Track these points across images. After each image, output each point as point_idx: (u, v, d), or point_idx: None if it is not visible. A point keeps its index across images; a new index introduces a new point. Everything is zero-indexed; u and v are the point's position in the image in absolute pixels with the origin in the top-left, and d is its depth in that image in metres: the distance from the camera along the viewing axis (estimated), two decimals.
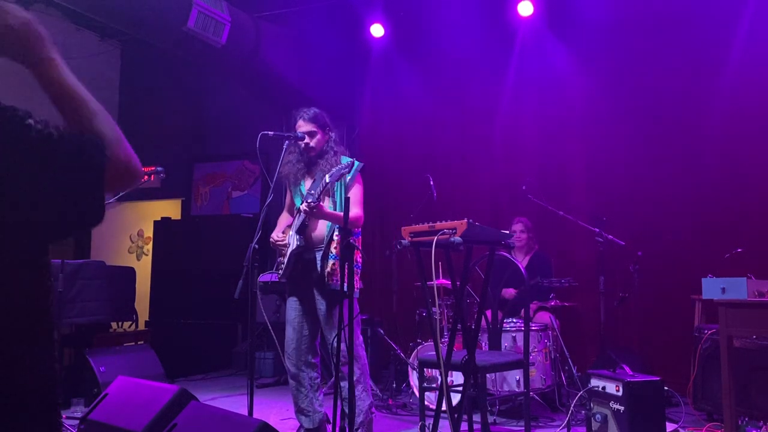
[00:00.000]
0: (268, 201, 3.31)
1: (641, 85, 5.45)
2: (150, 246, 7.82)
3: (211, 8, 5.09)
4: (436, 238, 2.66)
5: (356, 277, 3.31)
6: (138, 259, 8.08)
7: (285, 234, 3.48)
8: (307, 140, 3.42)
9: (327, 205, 3.35)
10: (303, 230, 3.35)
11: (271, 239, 3.50)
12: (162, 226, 7.03)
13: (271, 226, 3.92)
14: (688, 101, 5.24)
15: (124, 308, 5.63)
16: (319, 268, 3.35)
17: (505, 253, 3.57)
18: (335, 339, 3.04)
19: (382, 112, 6.59)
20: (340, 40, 6.31)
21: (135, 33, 5.42)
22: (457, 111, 6.20)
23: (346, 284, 2.85)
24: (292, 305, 3.47)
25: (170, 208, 7.88)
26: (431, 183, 4.99)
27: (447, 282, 4.23)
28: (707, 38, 5.18)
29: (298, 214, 3.38)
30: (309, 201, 3.14)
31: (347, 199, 2.91)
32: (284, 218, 3.66)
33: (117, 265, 6.07)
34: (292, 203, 3.60)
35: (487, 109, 6.03)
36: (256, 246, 3.18)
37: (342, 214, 2.95)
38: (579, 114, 5.67)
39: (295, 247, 3.34)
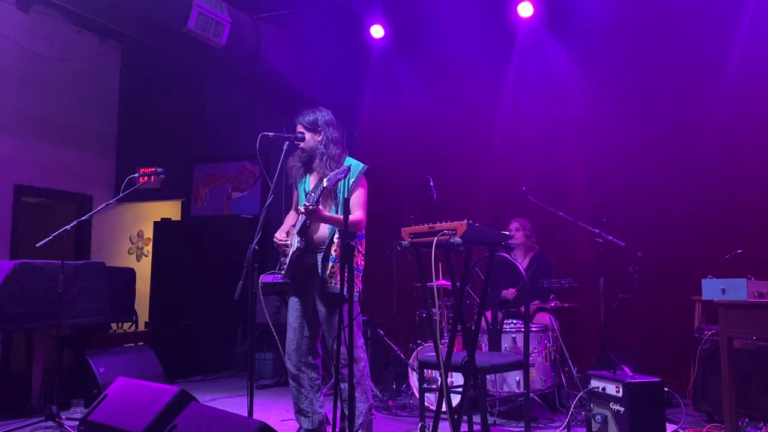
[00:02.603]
0: (268, 202, 3.31)
1: (641, 85, 5.45)
2: (150, 247, 7.82)
3: (211, 9, 5.09)
4: (436, 239, 2.67)
5: (357, 280, 3.31)
6: (138, 260, 8.07)
7: (288, 234, 3.48)
8: (298, 141, 3.48)
9: (330, 207, 3.36)
10: (304, 232, 3.36)
11: (274, 239, 3.50)
12: (162, 227, 7.03)
13: (271, 226, 3.93)
14: (688, 102, 5.24)
15: (124, 309, 5.63)
16: (319, 270, 3.36)
17: (504, 254, 3.57)
18: (335, 341, 3.04)
19: (382, 112, 6.59)
20: (340, 41, 6.31)
21: (135, 33, 5.41)
22: (457, 111, 6.20)
23: (346, 287, 2.85)
24: (294, 306, 3.48)
25: (170, 209, 7.88)
26: (431, 184, 4.99)
27: (447, 283, 4.22)
28: (707, 39, 5.18)
29: (300, 215, 3.39)
30: (306, 204, 3.15)
31: (345, 200, 2.92)
32: (291, 217, 3.64)
33: (117, 266, 6.07)
34: (298, 202, 3.59)
35: (487, 110, 6.04)
36: (256, 247, 3.17)
37: (341, 217, 2.96)
38: (579, 114, 5.67)
39: (296, 248, 3.34)
